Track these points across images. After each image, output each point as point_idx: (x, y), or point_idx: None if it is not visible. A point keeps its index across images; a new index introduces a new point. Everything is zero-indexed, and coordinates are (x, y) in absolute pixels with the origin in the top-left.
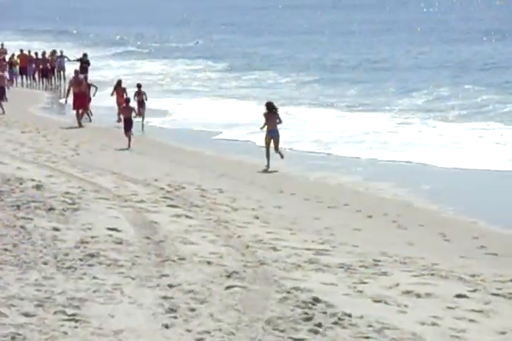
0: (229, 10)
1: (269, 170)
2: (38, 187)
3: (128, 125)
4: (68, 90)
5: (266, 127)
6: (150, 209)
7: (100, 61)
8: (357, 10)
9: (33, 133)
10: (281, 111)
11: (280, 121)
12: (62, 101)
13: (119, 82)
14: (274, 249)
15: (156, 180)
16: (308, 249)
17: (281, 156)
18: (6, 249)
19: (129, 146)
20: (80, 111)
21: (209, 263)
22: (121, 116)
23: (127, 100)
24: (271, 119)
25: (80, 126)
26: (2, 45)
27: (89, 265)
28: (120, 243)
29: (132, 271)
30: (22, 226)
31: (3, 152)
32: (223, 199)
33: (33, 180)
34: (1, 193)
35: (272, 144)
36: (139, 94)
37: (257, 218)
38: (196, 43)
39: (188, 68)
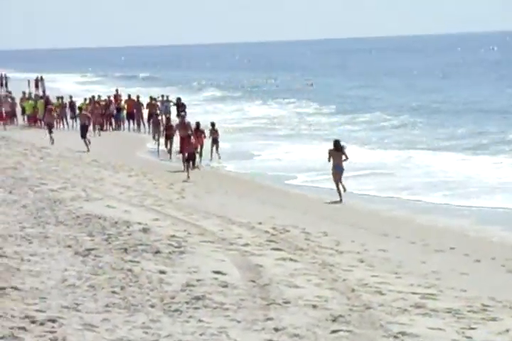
0: (326, 54)
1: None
2: (144, 230)
3: (191, 159)
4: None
5: (332, 163)
6: (255, 253)
7: (207, 105)
8: (458, 51)
9: (139, 176)
10: (403, 156)
11: (347, 158)
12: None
13: (198, 124)
14: (380, 292)
15: (260, 223)
16: (415, 293)
17: (344, 189)
18: (114, 292)
19: (188, 177)
20: (186, 155)
21: (314, 306)
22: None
23: (189, 136)
24: (336, 156)
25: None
26: (117, 90)
27: (195, 308)
28: (226, 286)
29: (238, 314)
30: (129, 269)
31: (111, 195)
32: (328, 243)
33: (139, 223)
34: (108, 236)
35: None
36: (214, 133)
37: (362, 261)
38: (310, 85)
39: (294, 111)
